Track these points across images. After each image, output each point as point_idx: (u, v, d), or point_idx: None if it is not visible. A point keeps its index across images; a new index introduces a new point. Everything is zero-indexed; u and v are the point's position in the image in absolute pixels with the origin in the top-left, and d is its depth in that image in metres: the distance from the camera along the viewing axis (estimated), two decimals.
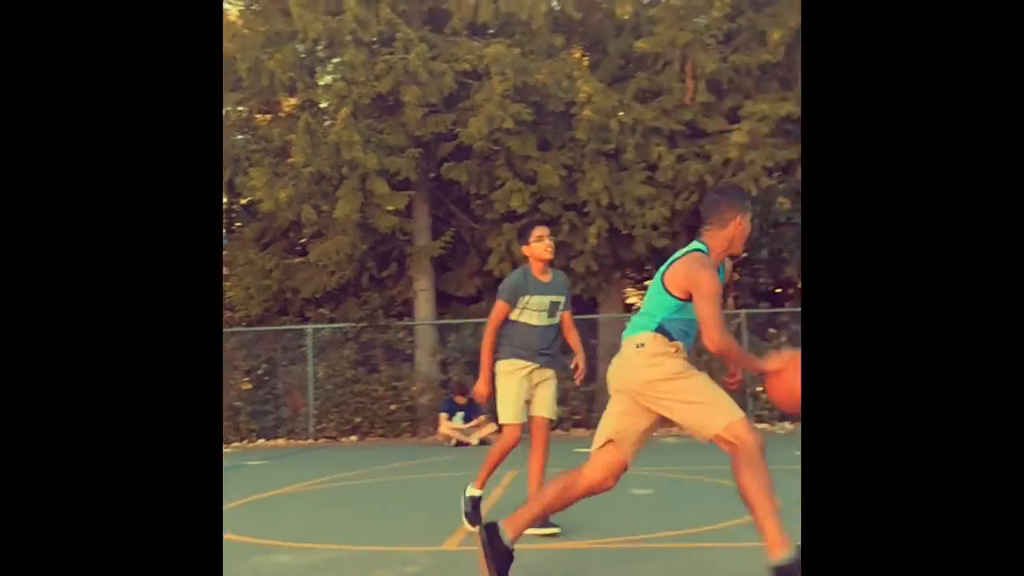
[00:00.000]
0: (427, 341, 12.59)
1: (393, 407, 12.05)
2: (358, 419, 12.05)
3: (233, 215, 15.48)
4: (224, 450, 11.54)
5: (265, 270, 12.81)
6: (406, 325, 12.95)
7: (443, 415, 10.60)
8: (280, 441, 12.21)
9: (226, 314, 13.47)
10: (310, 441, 12.11)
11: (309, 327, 12.67)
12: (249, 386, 12.90)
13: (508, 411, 4.07)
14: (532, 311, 4.12)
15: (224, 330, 13.22)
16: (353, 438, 12.04)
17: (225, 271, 13.42)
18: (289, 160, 11.97)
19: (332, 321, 13.00)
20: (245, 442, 12.16)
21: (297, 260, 13.06)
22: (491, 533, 2.94)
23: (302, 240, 13.59)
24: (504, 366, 4.10)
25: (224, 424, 12.16)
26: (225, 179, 12.78)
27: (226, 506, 5.53)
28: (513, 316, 4.13)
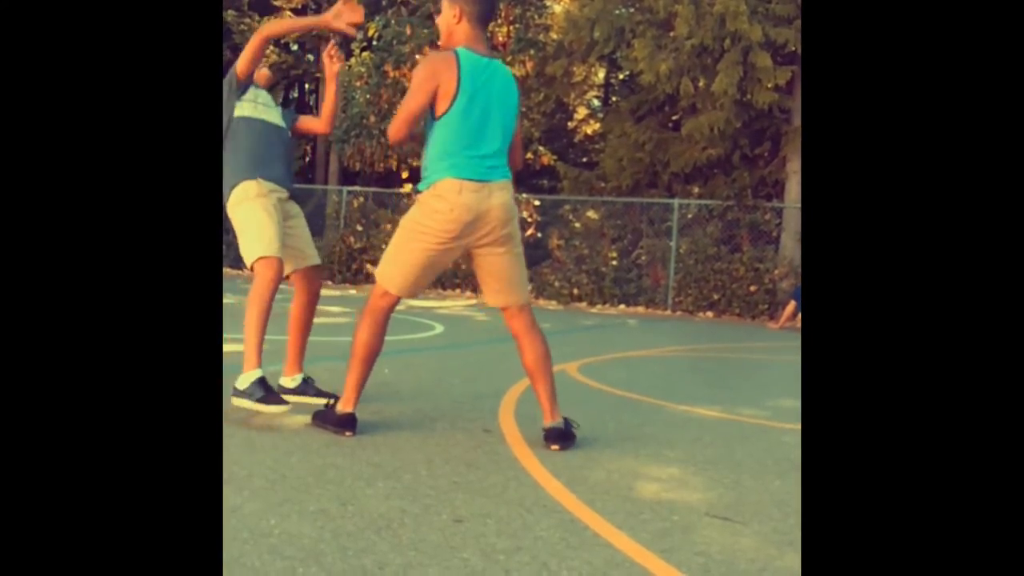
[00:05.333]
0: (794, 225, 12.16)
1: (753, 288, 11.96)
2: (716, 296, 12.16)
3: (611, 88, 15.89)
4: (590, 310, 12.40)
5: (638, 143, 13.12)
6: (774, 207, 12.59)
7: (792, 302, 10.35)
8: (640, 308, 12.79)
9: (598, 184, 14.14)
10: (667, 312, 12.53)
11: (675, 201, 12.86)
12: (614, 254, 13.56)
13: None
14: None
15: (595, 199, 13.92)
16: (709, 314, 12.22)
17: (599, 144, 13.98)
18: (672, 32, 11.92)
19: (699, 198, 13.05)
20: (607, 306, 12.94)
21: (670, 134, 13.17)
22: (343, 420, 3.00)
23: (675, 116, 13.64)
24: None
25: (588, 287, 13.02)
26: (607, 52, 13.14)
27: (588, 360, 6.03)
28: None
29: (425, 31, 14.42)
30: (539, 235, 14.01)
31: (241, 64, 3.37)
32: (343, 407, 3.01)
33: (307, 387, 3.63)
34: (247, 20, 18.95)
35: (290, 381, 3.62)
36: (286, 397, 3.56)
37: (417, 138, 3.11)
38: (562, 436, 2.97)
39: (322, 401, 3.59)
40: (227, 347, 5.00)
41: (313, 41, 20.42)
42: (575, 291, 13.05)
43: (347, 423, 2.99)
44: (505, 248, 3.00)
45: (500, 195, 2.93)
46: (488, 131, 2.92)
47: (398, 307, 10.08)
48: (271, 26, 3.35)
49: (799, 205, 12.12)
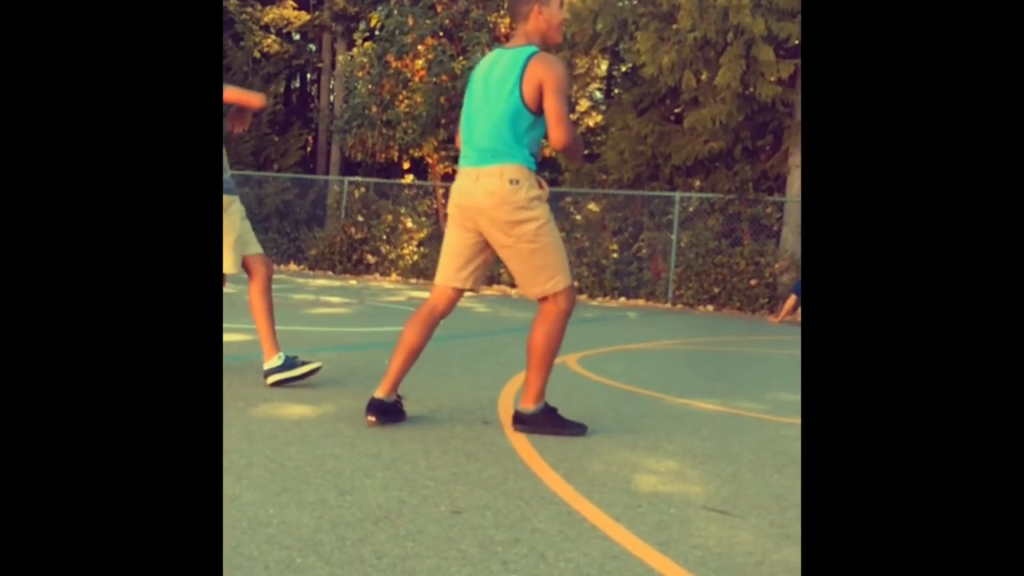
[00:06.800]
0: (796, 219, 12.15)
1: (753, 282, 11.96)
2: (716, 290, 12.17)
3: (613, 80, 15.83)
4: (590, 302, 12.40)
5: (640, 135, 13.09)
6: (775, 201, 12.58)
7: (793, 296, 10.35)
8: (640, 301, 12.79)
9: (599, 176, 14.12)
10: (668, 305, 12.54)
11: (677, 195, 12.85)
12: (615, 247, 13.56)
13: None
14: None
15: (596, 191, 13.91)
16: (709, 307, 12.23)
17: (601, 136, 13.97)
18: (674, 25, 11.88)
19: (701, 191, 13.04)
20: (607, 298, 12.94)
21: (672, 127, 13.15)
22: (379, 408, 3.05)
23: (678, 109, 13.60)
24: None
25: (589, 280, 13.02)
26: (610, 44, 13.10)
27: (587, 352, 6.04)
28: None
29: (428, 21, 14.37)
30: None
31: (227, 97, 3.54)
32: (376, 392, 3.09)
33: (294, 363, 3.72)
34: (249, 10, 18.91)
35: (277, 360, 3.69)
36: (272, 380, 3.67)
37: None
38: (519, 420, 3.09)
39: (310, 367, 3.72)
40: (227, 337, 5.00)
41: (315, 31, 20.37)
42: (575, 283, 13.04)
43: (369, 406, 3.06)
44: (512, 240, 2.97)
45: (486, 181, 2.95)
46: (479, 120, 3.01)
47: (401, 298, 10.08)
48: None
49: (800, 199, 12.11)
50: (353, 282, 13.02)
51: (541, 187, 3.01)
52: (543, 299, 3.04)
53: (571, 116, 18.78)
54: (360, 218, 15.05)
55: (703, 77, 11.86)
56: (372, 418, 3.02)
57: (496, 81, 2.97)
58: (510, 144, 2.95)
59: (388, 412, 3.06)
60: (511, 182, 2.93)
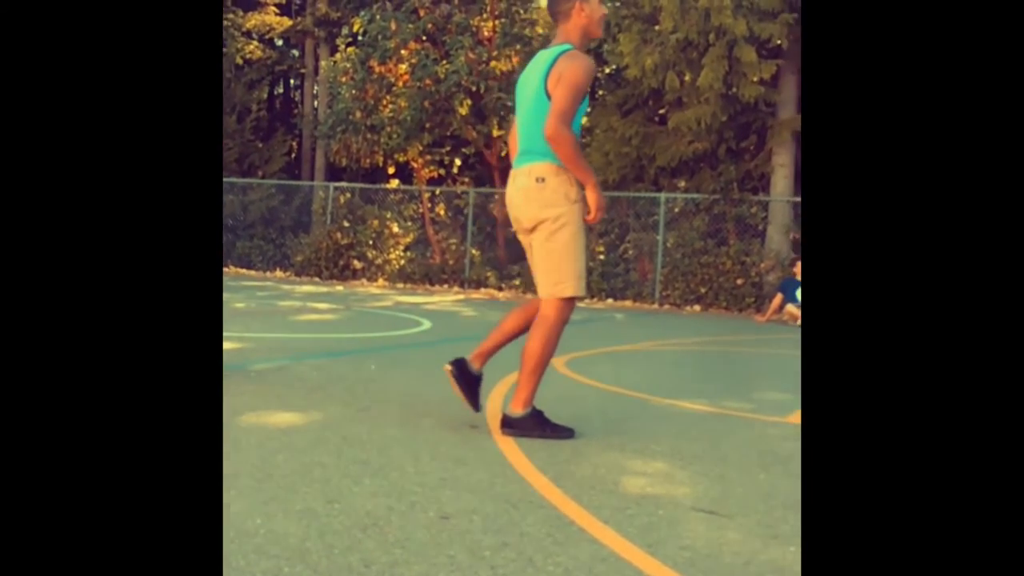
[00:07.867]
0: (780, 218, 12.21)
1: (739, 281, 12.00)
2: (703, 290, 12.21)
3: (597, 82, 15.84)
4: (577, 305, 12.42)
5: (624, 137, 13.12)
6: (760, 200, 12.64)
7: (779, 295, 10.39)
8: (627, 302, 12.82)
9: None
10: (655, 306, 12.56)
11: (662, 196, 12.89)
12: (602, 248, 13.59)
13: None
14: None
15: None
16: (696, 307, 12.26)
17: (586, 138, 14.00)
18: (657, 27, 11.92)
19: (686, 192, 13.09)
20: (595, 300, 12.96)
21: (656, 128, 13.18)
22: (460, 366, 3.11)
23: (662, 109, 13.65)
24: None
25: None
26: (593, 46, 13.13)
27: (575, 354, 6.05)
28: None
29: (410, 26, 14.36)
30: None
31: None
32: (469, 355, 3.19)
33: None
34: (231, 15, 18.85)
35: None
36: None
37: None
38: (507, 424, 3.10)
39: None
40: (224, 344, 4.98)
41: (297, 36, 20.32)
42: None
43: (453, 361, 3.12)
44: (537, 237, 3.03)
45: (519, 179, 3.05)
46: (521, 121, 3.10)
47: (388, 303, 10.06)
48: None
49: (785, 199, 12.17)
50: (340, 288, 12.98)
51: (571, 184, 3.01)
52: (543, 302, 3.06)
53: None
54: (346, 223, 15.02)
55: (686, 78, 11.90)
56: (449, 367, 3.10)
57: (530, 81, 3.04)
58: (539, 142, 2.98)
59: (464, 375, 3.12)
60: (537, 180, 2.99)
